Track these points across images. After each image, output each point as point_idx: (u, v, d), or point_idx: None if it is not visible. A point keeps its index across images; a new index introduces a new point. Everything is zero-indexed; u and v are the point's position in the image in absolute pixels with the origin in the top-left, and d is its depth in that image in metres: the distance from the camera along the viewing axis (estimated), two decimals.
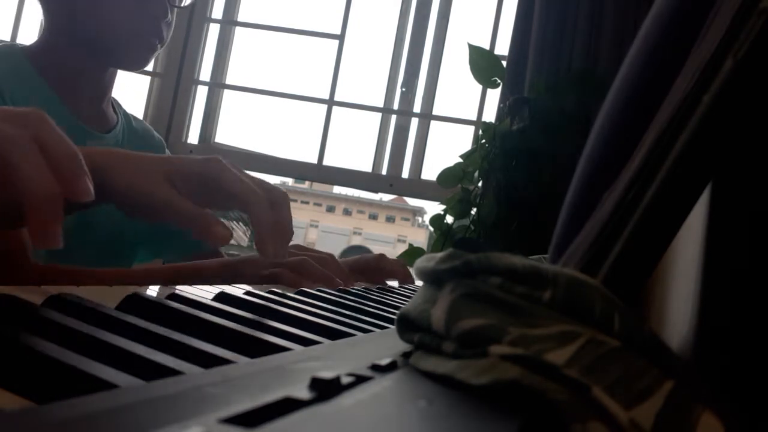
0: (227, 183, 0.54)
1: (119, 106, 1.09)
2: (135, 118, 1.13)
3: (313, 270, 0.71)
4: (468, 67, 1.82)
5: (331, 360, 0.27)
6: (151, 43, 0.97)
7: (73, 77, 0.97)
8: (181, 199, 0.52)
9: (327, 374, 0.18)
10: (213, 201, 0.55)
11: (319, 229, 28.32)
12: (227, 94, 2.43)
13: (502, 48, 2.07)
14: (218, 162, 0.55)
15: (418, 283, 0.88)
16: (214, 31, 2.38)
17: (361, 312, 0.50)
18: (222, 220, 0.52)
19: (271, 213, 0.53)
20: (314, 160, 2.25)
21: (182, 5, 1.04)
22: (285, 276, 0.69)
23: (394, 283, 0.95)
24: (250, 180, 0.55)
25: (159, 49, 0.99)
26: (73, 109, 0.97)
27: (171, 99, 2.29)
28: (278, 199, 0.56)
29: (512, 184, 1.69)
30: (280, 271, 0.69)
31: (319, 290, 0.57)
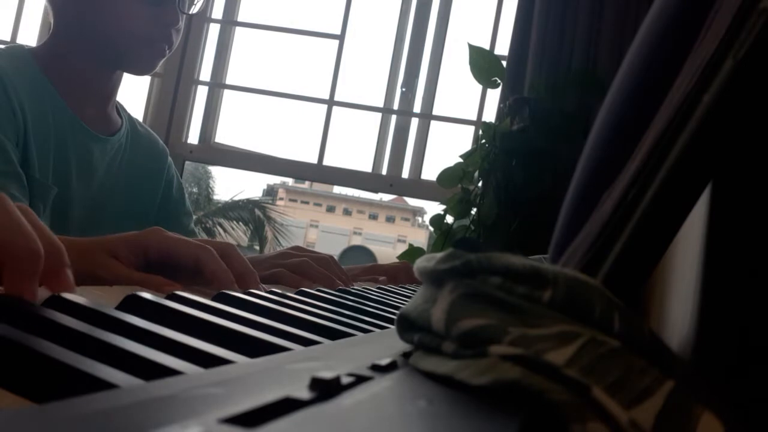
0: (173, 249, 0.54)
1: (124, 110, 1.09)
2: (140, 124, 1.12)
3: (312, 270, 0.71)
4: (468, 67, 1.82)
5: (331, 360, 0.27)
6: (161, 48, 0.97)
7: (79, 80, 0.97)
8: (126, 270, 0.53)
9: (327, 374, 0.18)
10: (161, 271, 0.55)
11: (319, 229, 28.31)
12: (227, 94, 2.43)
13: (502, 48, 2.07)
14: (159, 232, 0.56)
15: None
16: (214, 31, 2.38)
17: (361, 312, 0.50)
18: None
19: (223, 263, 0.54)
20: (314, 160, 2.25)
21: (193, 12, 1.04)
22: (285, 276, 0.69)
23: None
24: (195, 239, 0.56)
25: (168, 54, 0.99)
26: (77, 111, 0.97)
27: (171, 99, 2.29)
28: (226, 250, 0.56)
29: (512, 184, 1.69)
30: (280, 272, 0.69)
31: (319, 290, 0.57)
